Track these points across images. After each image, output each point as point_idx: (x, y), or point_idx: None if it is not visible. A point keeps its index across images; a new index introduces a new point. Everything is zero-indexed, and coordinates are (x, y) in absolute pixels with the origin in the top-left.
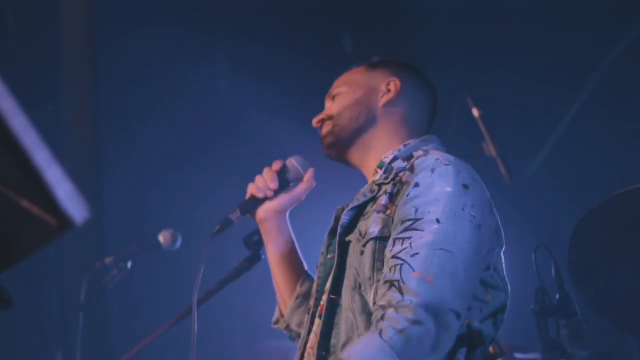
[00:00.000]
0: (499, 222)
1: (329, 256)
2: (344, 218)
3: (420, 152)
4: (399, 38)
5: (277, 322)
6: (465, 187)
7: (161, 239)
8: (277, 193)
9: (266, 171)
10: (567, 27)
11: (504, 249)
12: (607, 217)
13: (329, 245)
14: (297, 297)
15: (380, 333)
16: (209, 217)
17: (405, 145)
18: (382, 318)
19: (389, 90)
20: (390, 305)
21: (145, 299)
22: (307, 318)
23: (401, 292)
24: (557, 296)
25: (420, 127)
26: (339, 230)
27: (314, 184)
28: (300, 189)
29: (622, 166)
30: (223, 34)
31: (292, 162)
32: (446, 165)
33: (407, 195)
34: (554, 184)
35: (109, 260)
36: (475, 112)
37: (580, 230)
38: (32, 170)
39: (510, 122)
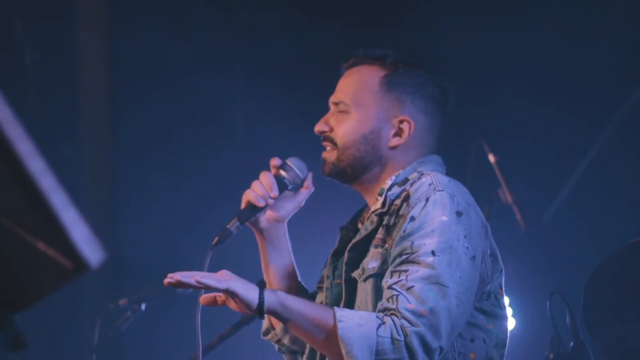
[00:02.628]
0: (495, 246)
1: (336, 281)
2: (347, 254)
3: (414, 175)
4: None
5: (266, 333)
6: (459, 214)
7: None
8: (276, 199)
9: (265, 177)
10: (584, 73)
11: (503, 272)
12: (622, 265)
13: (335, 269)
14: None
15: (381, 326)
16: (224, 260)
17: (404, 169)
18: (393, 314)
19: (401, 129)
20: (399, 312)
21: (159, 341)
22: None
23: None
24: (572, 344)
25: (427, 151)
26: (344, 267)
27: (313, 189)
28: (301, 195)
29: (638, 214)
30: (240, 73)
31: (290, 164)
32: (440, 190)
33: (404, 231)
34: (570, 231)
35: (122, 301)
36: (492, 158)
37: (595, 278)
38: (48, 212)
39: (526, 169)
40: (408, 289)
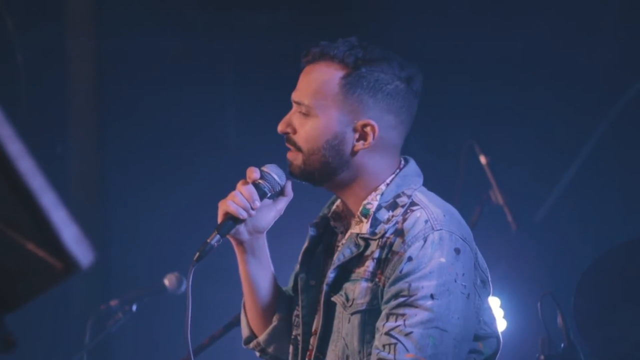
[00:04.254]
0: (484, 270)
1: (311, 282)
2: (329, 275)
3: (404, 199)
4: None
5: (248, 342)
6: (457, 251)
7: (166, 282)
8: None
9: (244, 187)
10: (575, 74)
11: (490, 294)
12: (613, 266)
13: (309, 270)
14: (278, 326)
15: None
16: (215, 261)
17: (387, 185)
18: None
19: (365, 133)
20: None
21: (150, 342)
22: (291, 349)
23: None
24: (563, 345)
25: (398, 151)
26: (324, 288)
27: (292, 195)
28: (281, 203)
29: (630, 214)
30: (231, 73)
31: (268, 171)
32: (438, 230)
33: (400, 271)
34: (561, 232)
35: (114, 302)
36: (483, 159)
37: (586, 279)
38: (38, 213)
39: (517, 170)
40: (406, 334)
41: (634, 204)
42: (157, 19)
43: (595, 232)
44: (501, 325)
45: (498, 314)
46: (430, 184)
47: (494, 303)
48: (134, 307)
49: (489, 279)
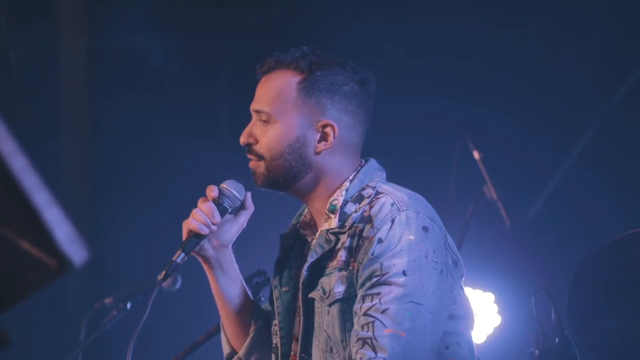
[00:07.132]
0: (455, 251)
1: (283, 289)
2: (304, 274)
3: (369, 191)
4: (401, 80)
5: (230, 359)
6: (425, 229)
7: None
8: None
9: (204, 204)
10: (568, 70)
11: (463, 278)
12: (607, 261)
13: (281, 277)
14: (256, 336)
15: None
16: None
17: (350, 181)
18: (372, 347)
19: (325, 134)
20: (376, 340)
21: (144, 339)
22: (273, 358)
23: (374, 350)
24: (557, 340)
25: (357, 150)
26: (301, 287)
27: (253, 208)
28: (242, 216)
29: (623, 210)
30: (224, 71)
31: (227, 187)
32: (405, 210)
33: (372, 254)
34: (554, 227)
35: (108, 300)
36: (476, 155)
37: (580, 275)
38: (31, 211)
39: (511, 166)
40: (383, 311)
41: (626, 199)
42: (150, 16)
43: (589, 227)
44: (496, 320)
45: (492, 309)
46: (424, 179)
47: (488, 298)
48: (129, 305)
49: (460, 260)
